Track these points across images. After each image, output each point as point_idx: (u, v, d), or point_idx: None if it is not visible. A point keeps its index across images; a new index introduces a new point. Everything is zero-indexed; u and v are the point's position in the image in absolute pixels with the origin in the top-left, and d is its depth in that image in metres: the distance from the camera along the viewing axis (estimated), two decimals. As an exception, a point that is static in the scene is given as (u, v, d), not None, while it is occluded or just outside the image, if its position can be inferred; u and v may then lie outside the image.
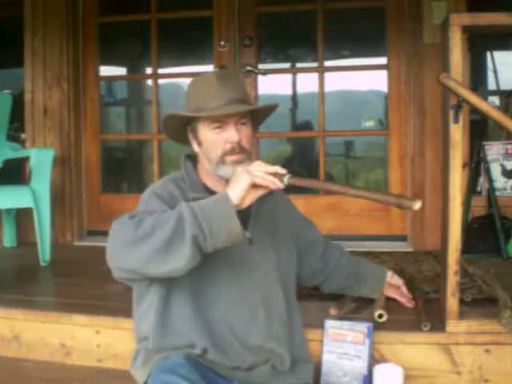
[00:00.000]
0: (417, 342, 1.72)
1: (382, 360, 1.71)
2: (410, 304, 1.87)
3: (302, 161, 3.86)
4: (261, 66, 3.32)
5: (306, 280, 1.75)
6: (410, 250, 2.98)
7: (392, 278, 1.88)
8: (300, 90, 3.82)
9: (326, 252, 1.73)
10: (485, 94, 3.54)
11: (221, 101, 1.33)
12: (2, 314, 2.03)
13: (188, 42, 3.60)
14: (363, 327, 1.67)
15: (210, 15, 3.31)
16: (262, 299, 1.39)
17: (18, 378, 1.86)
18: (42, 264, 2.72)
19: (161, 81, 3.58)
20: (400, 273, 2.41)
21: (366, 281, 1.79)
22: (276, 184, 1.21)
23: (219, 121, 1.34)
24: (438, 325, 1.73)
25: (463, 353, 1.69)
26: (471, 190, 2.86)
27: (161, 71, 3.58)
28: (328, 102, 3.31)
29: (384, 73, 3.20)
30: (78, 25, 3.42)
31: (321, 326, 1.72)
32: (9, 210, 3.18)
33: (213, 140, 1.35)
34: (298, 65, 3.84)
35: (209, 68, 3.38)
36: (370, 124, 3.87)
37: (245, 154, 1.36)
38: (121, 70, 4.14)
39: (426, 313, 1.79)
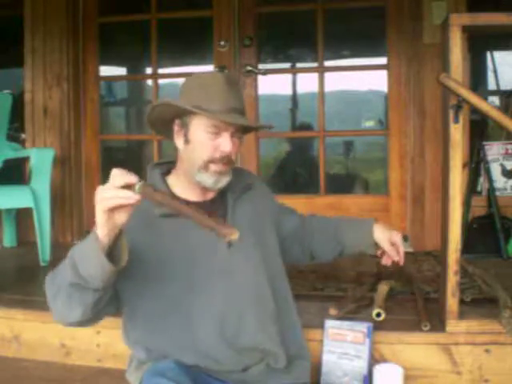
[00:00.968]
0: (417, 342, 1.72)
1: (382, 360, 1.71)
2: (398, 259, 1.60)
3: (301, 161, 3.87)
4: (261, 66, 3.32)
5: (295, 263, 1.67)
6: (409, 250, 2.98)
7: (384, 232, 1.65)
8: (300, 90, 3.83)
9: (304, 232, 1.62)
10: (485, 94, 3.54)
11: (226, 106, 1.28)
12: (2, 314, 2.03)
13: (188, 42, 3.60)
14: (363, 327, 1.67)
15: (210, 15, 3.31)
16: (249, 300, 1.35)
17: (18, 377, 1.86)
18: (42, 264, 2.72)
19: (161, 81, 3.57)
20: (400, 273, 2.42)
21: (351, 234, 1.61)
22: (130, 198, 1.03)
23: (217, 126, 1.29)
24: (438, 325, 1.73)
25: (463, 353, 1.69)
26: (471, 189, 2.86)
27: (161, 71, 3.58)
28: (328, 101, 3.31)
29: (384, 73, 3.20)
30: (78, 25, 3.41)
31: (321, 326, 1.72)
32: (9, 210, 3.18)
33: (204, 142, 1.29)
34: (298, 65, 3.84)
35: (209, 68, 3.38)
36: (369, 124, 3.88)
37: (230, 166, 1.33)
38: (121, 70, 4.15)
39: (426, 313, 1.79)
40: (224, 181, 1.33)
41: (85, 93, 3.47)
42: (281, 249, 1.53)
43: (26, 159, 3.03)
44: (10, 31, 3.63)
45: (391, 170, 3.19)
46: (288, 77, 3.81)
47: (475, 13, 1.60)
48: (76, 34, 3.40)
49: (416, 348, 1.72)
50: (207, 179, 1.31)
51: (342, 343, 1.68)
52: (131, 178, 1.05)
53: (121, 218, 1.07)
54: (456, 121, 1.59)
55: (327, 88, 3.28)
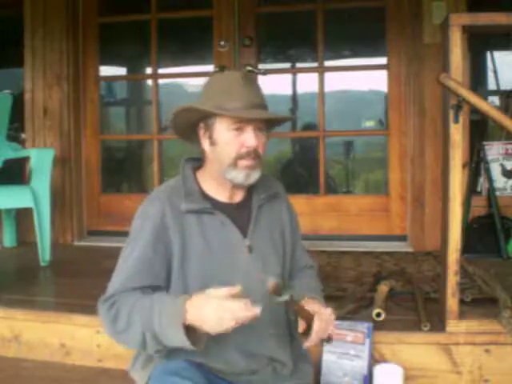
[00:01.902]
0: (417, 342, 1.72)
1: (382, 360, 1.71)
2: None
3: (302, 161, 3.87)
4: (261, 66, 3.32)
5: None
6: (410, 250, 2.98)
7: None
8: (300, 89, 3.82)
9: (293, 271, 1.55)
10: (485, 94, 3.54)
11: (246, 102, 1.29)
12: (2, 314, 2.03)
13: (188, 41, 3.60)
14: (363, 327, 1.67)
15: (210, 15, 3.31)
16: (265, 306, 1.36)
17: (18, 377, 1.86)
18: (42, 264, 2.72)
19: (161, 81, 3.58)
20: (400, 273, 2.42)
21: None
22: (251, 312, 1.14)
23: (239, 123, 1.30)
24: (438, 325, 1.73)
25: (463, 353, 1.69)
26: (471, 190, 2.86)
27: (161, 71, 3.58)
28: (328, 101, 3.31)
29: (384, 73, 3.20)
30: (78, 25, 3.42)
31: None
32: (9, 210, 3.18)
33: (229, 141, 1.31)
34: (298, 65, 3.84)
35: (209, 68, 3.38)
36: (370, 124, 3.88)
37: (258, 160, 1.33)
38: (121, 70, 4.14)
39: (426, 313, 1.79)
40: (254, 175, 1.34)
41: (85, 93, 3.47)
42: None
43: (26, 159, 3.03)
44: (10, 31, 3.63)
45: (391, 170, 3.19)
46: (288, 77, 3.81)
47: (475, 13, 1.60)
48: (76, 34, 3.40)
49: (416, 348, 1.72)
50: (237, 175, 1.32)
51: (342, 343, 1.68)
52: (248, 310, 1.14)
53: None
54: (456, 121, 1.59)
55: (327, 88, 3.28)
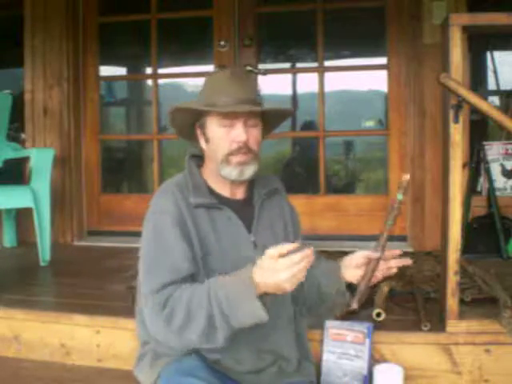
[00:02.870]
0: (417, 342, 1.72)
1: (382, 360, 1.71)
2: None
3: (302, 161, 3.87)
4: (261, 66, 3.32)
5: None
6: (410, 250, 2.98)
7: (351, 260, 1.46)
8: (300, 89, 3.83)
9: None
10: (485, 94, 3.54)
11: (232, 98, 1.31)
12: (2, 314, 2.03)
13: (188, 42, 3.60)
14: (363, 327, 1.67)
15: (210, 15, 3.31)
16: (271, 303, 1.37)
17: (18, 377, 1.86)
18: (42, 264, 2.72)
19: (161, 81, 3.58)
20: (400, 273, 2.41)
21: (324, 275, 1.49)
22: (307, 262, 1.14)
23: (228, 118, 1.32)
24: (438, 325, 1.73)
25: (463, 353, 1.69)
26: (471, 190, 2.86)
27: (161, 71, 3.58)
28: (328, 102, 3.31)
29: (384, 73, 3.20)
30: (78, 25, 3.42)
31: (321, 326, 1.72)
32: (9, 210, 3.18)
33: (220, 137, 1.33)
34: (298, 65, 3.84)
35: (209, 68, 3.38)
36: (370, 124, 3.88)
37: (251, 155, 1.34)
38: (121, 70, 4.14)
39: (426, 313, 1.79)
40: (249, 171, 1.35)
41: (85, 93, 3.47)
42: None
43: (26, 159, 3.03)
44: (10, 31, 3.63)
45: (391, 170, 3.19)
46: (288, 77, 3.81)
47: (475, 13, 1.60)
48: (76, 34, 3.40)
49: (416, 348, 1.72)
50: (231, 171, 1.34)
51: (342, 343, 1.68)
52: (304, 251, 1.13)
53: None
54: (456, 121, 1.59)
55: (327, 88, 3.28)
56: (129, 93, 4.23)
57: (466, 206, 2.77)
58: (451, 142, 1.61)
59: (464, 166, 2.55)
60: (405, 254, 1.42)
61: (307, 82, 3.52)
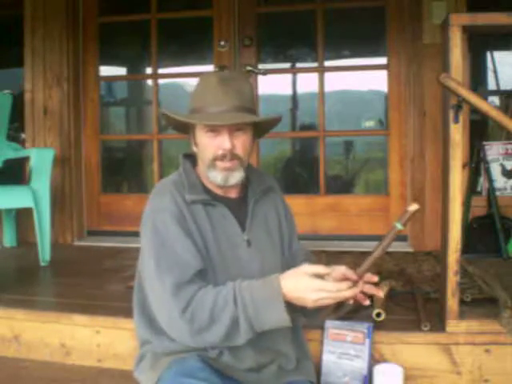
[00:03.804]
0: (417, 342, 1.72)
1: (382, 360, 1.71)
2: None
3: (302, 161, 3.86)
4: (261, 66, 3.32)
5: None
6: (410, 250, 2.98)
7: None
8: (300, 90, 3.82)
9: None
10: (485, 94, 3.53)
11: (217, 107, 1.30)
12: (2, 314, 2.03)
13: (188, 42, 3.60)
14: (363, 327, 1.67)
15: (210, 15, 3.31)
16: None
17: (18, 377, 1.86)
18: (42, 264, 2.72)
19: (161, 81, 3.58)
20: (400, 273, 2.42)
21: None
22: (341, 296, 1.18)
23: (214, 127, 1.31)
24: (438, 325, 1.73)
25: (463, 353, 1.69)
26: (471, 190, 2.86)
27: (161, 71, 3.58)
28: (328, 102, 3.31)
29: (384, 73, 3.20)
30: (78, 25, 3.42)
31: (321, 326, 1.72)
32: (9, 210, 3.18)
33: (206, 144, 1.33)
34: (298, 65, 3.83)
35: (209, 68, 3.38)
36: (370, 124, 3.87)
37: (237, 161, 1.34)
38: (121, 70, 4.13)
39: (426, 313, 1.79)
40: (234, 177, 1.35)
41: (85, 93, 3.47)
42: None
43: (26, 159, 3.03)
44: (10, 31, 3.63)
45: (391, 170, 3.19)
46: (288, 77, 3.80)
47: (475, 13, 1.60)
48: (76, 34, 3.40)
49: (416, 348, 1.72)
50: (216, 176, 1.34)
51: (342, 343, 1.68)
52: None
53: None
54: (456, 121, 1.59)
55: (327, 88, 3.28)
56: (129, 93, 4.23)
57: (466, 206, 2.77)
58: (451, 142, 1.61)
59: (464, 166, 2.56)
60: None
61: (307, 82, 3.52)
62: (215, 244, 1.33)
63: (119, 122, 4.29)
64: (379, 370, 1.63)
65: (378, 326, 1.72)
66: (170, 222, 1.29)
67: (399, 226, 1.17)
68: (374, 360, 1.69)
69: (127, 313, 1.66)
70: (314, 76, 3.30)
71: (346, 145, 3.82)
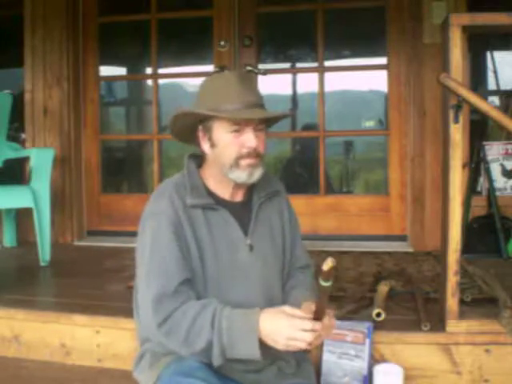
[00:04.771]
0: (417, 342, 1.72)
1: (382, 360, 1.71)
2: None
3: (302, 161, 3.86)
4: (261, 66, 3.32)
5: None
6: (410, 250, 2.98)
7: None
8: (300, 90, 3.82)
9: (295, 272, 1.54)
10: (485, 94, 3.54)
11: (242, 104, 1.30)
12: (2, 314, 2.03)
13: (188, 42, 3.60)
14: (363, 327, 1.67)
15: (210, 15, 3.31)
16: (265, 303, 1.37)
17: (18, 377, 1.86)
18: (42, 264, 2.72)
19: (161, 81, 3.58)
20: (400, 273, 2.42)
21: None
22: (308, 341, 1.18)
23: (238, 124, 1.30)
24: (438, 325, 1.73)
25: (463, 353, 1.69)
26: (471, 190, 2.86)
27: (161, 71, 3.58)
28: (328, 101, 3.31)
29: (384, 73, 3.20)
30: (78, 25, 3.42)
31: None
32: (9, 210, 3.18)
33: (229, 143, 1.31)
34: (298, 65, 3.84)
35: (209, 68, 3.38)
36: (370, 124, 3.87)
37: (259, 158, 1.34)
38: (121, 70, 4.14)
39: (426, 313, 1.79)
40: (257, 173, 1.35)
41: (85, 93, 3.47)
42: None
43: (26, 159, 3.03)
44: (10, 31, 3.63)
45: (391, 170, 3.19)
46: (288, 77, 3.80)
47: (475, 13, 1.60)
48: (76, 34, 3.40)
49: (416, 348, 1.72)
50: (240, 174, 1.33)
51: (342, 343, 1.68)
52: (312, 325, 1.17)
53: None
54: (456, 121, 1.59)
55: (327, 88, 3.28)
56: (129, 93, 4.23)
57: (466, 205, 2.77)
58: (451, 142, 1.61)
59: (464, 166, 2.55)
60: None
61: (307, 82, 3.52)
62: (212, 249, 1.32)
63: (119, 122, 4.29)
64: (379, 370, 1.63)
65: (378, 326, 1.72)
66: (164, 226, 1.29)
67: (324, 283, 1.16)
68: (374, 360, 1.69)
69: (127, 313, 1.66)
70: (314, 76, 3.30)
71: (346, 145, 3.82)
